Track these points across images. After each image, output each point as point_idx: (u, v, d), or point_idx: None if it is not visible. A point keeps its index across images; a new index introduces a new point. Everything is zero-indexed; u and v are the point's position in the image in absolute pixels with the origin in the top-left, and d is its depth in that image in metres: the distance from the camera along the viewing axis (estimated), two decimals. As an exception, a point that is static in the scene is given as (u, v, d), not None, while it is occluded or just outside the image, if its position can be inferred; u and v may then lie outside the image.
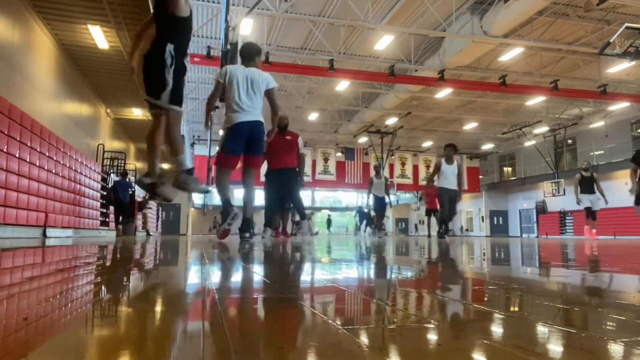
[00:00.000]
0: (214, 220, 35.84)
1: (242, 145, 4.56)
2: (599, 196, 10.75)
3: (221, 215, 5.19)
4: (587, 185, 10.79)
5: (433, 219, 13.37)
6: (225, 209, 4.96)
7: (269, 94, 4.70)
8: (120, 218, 13.52)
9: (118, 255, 2.63)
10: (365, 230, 16.00)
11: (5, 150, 6.66)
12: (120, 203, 13.30)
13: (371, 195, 12.18)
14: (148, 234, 16.82)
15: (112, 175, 14.02)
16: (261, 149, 4.79)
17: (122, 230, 13.49)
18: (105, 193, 13.20)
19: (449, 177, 8.84)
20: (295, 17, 13.90)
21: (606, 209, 20.45)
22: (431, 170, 13.09)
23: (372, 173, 12.47)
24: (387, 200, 12.04)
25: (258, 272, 1.60)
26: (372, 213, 14.27)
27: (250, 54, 4.90)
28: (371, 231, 13.47)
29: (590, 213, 10.83)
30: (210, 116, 4.91)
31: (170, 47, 3.75)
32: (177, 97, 3.79)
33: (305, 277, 1.50)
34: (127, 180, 13.66)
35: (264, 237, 6.28)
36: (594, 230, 10.91)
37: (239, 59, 5.50)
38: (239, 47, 6.20)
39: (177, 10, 3.74)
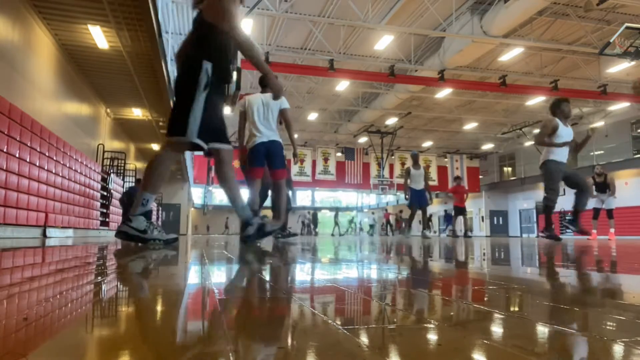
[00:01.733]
0: (226, 221, 36.07)
1: (262, 160, 5.35)
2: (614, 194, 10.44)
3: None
4: (600, 187, 10.54)
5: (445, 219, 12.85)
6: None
7: (282, 113, 5.46)
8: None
9: (119, 256, 2.64)
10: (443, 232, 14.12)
11: (5, 150, 6.66)
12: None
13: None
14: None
15: (112, 175, 14.05)
16: (279, 163, 5.41)
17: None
18: (105, 193, 13.23)
19: (564, 148, 6.03)
20: (295, 17, 13.90)
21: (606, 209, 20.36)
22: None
23: (409, 162, 11.09)
24: (427, 193, 10.31)
25: (258, 272, 1.60)
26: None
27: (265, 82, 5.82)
28: (397, 232, 11.95)
29: (602, 212, 10.56)
30: (242, 139, 5.63)
31: (207, 66, 3.06)
32: (218, 132, 3.12)
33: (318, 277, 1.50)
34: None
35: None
36: (612, 230, 10.58)
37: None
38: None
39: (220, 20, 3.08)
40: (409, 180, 10.27)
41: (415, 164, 10.48)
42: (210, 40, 3.13)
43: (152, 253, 2.63)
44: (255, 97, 5.51)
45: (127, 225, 3.12)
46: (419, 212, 10.46)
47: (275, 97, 3.36)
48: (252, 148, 5.38)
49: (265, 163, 5.37)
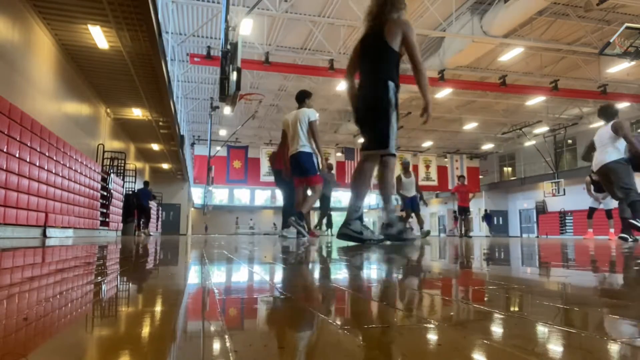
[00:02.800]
0: (236, 220, 36.99)
1: (296, 170, 6.13)
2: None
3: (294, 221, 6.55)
4: (598, 186, 10.41)
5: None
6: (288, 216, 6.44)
7: (310, 125, 6.06)
8: (141, 221, 15.99)
9: (119, 256, 2.64)
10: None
11: (5, 150, 6.66)
12: (143, 209, 15.32)
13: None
14: (148, 234, 16.88)
15: (112, 175, 14.06)
16: (306, 172, 6.07)
17: (143, 231, 15.77)
18: (105, 193, 13.25)
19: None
20: (295, 17, 13.90)
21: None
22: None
23: (399, 170, 11.01)
24: (418, 198, 11.08)
25: (259, 272, 1.60)
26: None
27: (300, 99, 6.38)
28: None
29: (600, 212, 10.49)
30: (286, 159, 6.32)
31: (392, 85, 3.46)
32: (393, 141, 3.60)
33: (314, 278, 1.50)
34: (149, 189, 15.79)
35: (285, 235, 6.63)
36: (612, 230, 10.38)
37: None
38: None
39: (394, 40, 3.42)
40: (400, 188, 11.01)
41: (406, 172, 11.22)
42: (391, 61, 3.53)
43: (155, 252, 2.62)
44: (290, 114, 6.30)
45: (347, 228, 3.61)
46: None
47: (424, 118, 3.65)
48: (288, 160, 6.20)
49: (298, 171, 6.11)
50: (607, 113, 6.52)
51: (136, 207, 15.60)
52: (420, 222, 11.21)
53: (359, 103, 3.68)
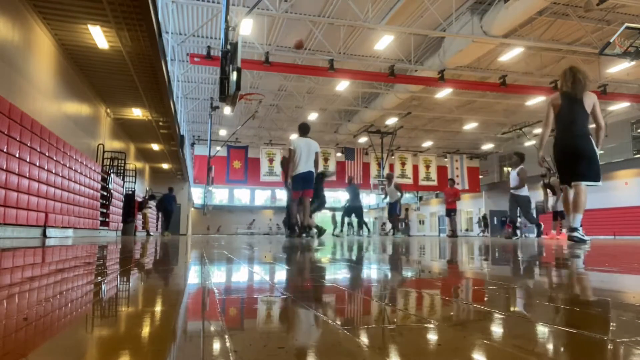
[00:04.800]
0: (252, 222, 39.18)
1: (300, 185, 7.59)
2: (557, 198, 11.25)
3: (285, 227, 8.09)
4: (550, 190, 11.41)
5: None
6: (290, 224, 8.20)
7: (316, 154, 7.72)
8: (161, 224, 17.49)
9: (118, 256, 2.64)
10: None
11: (5, 150, 6.66)
12: (167, 212, 16.91)
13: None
14: (148, 234, 16.90)
15: (112, 175, 14.07)
16: (310, 185, 7.66)
17: (166, 233, 16.78)
18: (105, 193, 13.26)
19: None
20: (295, 17, 13.91)
21: (606, 209, 20.41)
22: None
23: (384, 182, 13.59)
24: (398, 201, 13.78)
25: (258, 272, 1.60)
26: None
27: (307, 130, 7.89)
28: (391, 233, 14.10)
29: (557, 215, 11.42)
30: (288, 176, 7.69)
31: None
32: None
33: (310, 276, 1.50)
34: (173, 194, 17.44)
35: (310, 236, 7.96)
36: (554, 232, 11.27)
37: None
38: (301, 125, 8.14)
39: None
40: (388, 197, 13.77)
41: (389, 182, 13.90)
42: (587, 121, 4.88)
43: (160, 252, 2.61)
44: (300, 139, 7.65)
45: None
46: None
47: None
48: (295, 176, 7.48)
49: (307, 185, 7.51)
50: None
51: (162, 211, 17.13)
52: (396, 224, 14.02)
53: (567, 148, 4.87)
